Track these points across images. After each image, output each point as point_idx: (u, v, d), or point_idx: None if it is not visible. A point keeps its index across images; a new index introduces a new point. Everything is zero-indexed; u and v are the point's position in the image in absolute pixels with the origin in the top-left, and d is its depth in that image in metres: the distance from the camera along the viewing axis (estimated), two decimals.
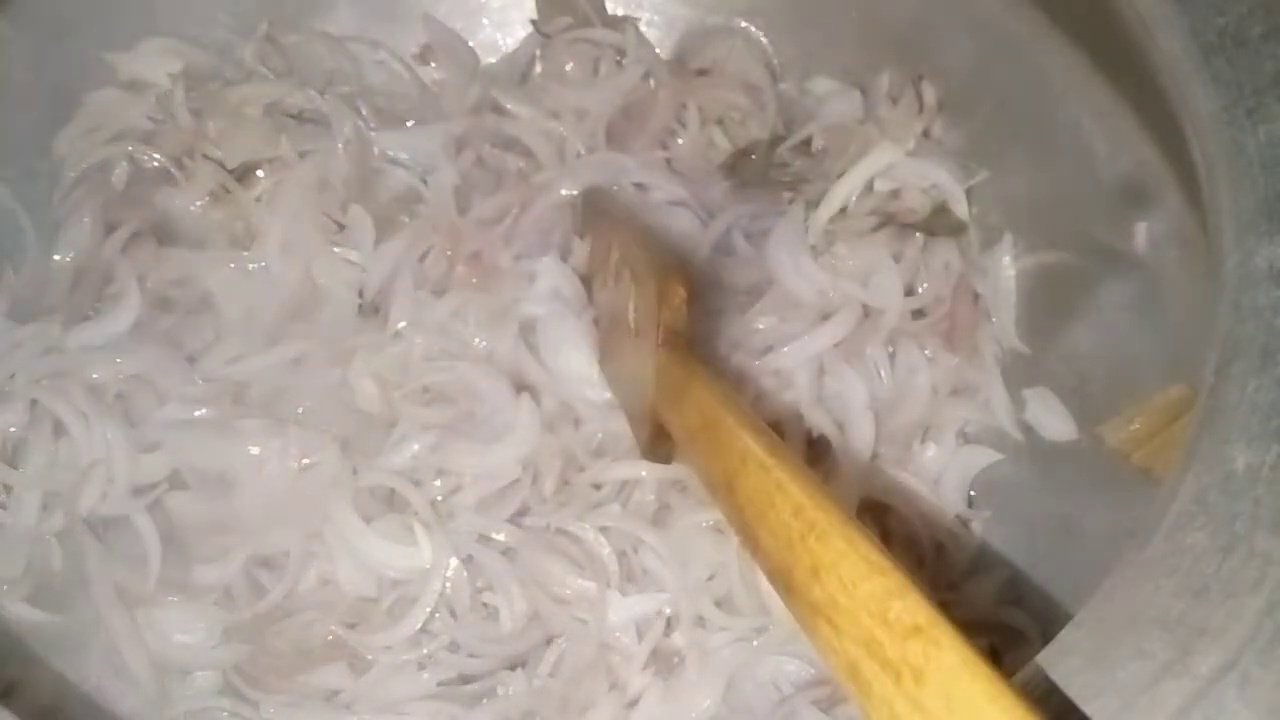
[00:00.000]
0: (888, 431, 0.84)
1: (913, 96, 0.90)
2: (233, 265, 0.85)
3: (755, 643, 0.75)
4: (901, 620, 0.42)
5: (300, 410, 0.80)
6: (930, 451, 0.85)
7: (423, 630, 0.74)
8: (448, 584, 0.74)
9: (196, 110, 0.89)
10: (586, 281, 0.85)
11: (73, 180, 0.89)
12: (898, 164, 0.88)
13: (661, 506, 0.78)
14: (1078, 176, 0.79)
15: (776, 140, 0.93)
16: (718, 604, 0.75)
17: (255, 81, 0.93)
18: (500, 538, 0.76)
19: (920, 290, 0.88)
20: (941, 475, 0.85)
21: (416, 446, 0.78)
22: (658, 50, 0.98)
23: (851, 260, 0.88)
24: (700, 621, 0.75)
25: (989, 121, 0.88)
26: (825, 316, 0.84)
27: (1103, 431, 0.75)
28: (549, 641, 0.75)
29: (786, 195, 0.91)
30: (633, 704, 0.74)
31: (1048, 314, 0.84)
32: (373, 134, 0.91)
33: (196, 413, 0.79)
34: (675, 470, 0.76)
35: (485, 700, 0.74)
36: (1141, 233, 0.75)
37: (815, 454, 0.82)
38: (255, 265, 0.85)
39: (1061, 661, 0.46)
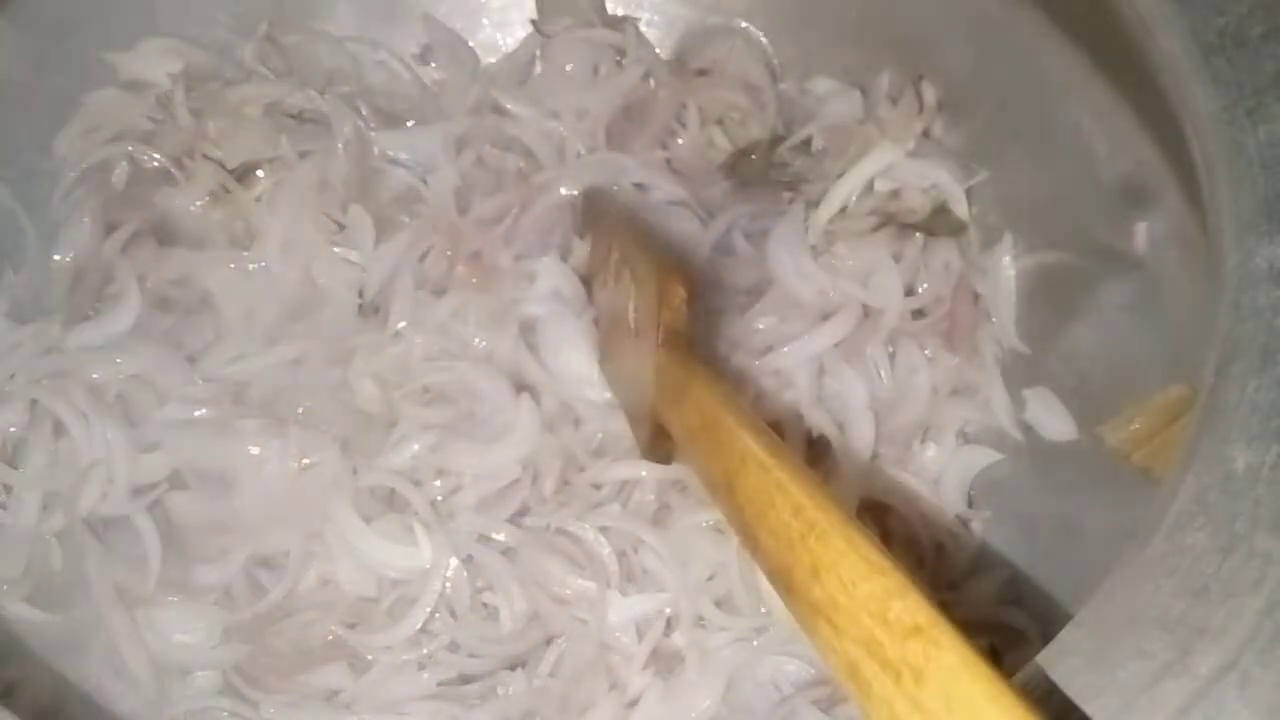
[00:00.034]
0: (888, 431, 0.84)
1: (913, 96, 0.90)
2: (233, 265, 0.85)
3: (755, 643, 0.75)
4: (901, 620, 0.41)
5: (300, 410, 0.80)
6: (930, 451, 0.85)
7: (423, 630, 0.74)
8: (448, 584, 0.74)
9: (196, 110, 0.89)
10: (586, 281, 0.85)
11: (73, 180, 0.89)
12: (898, 164, 0.88)
13: (661, 506, 0.78)
14: (1078, 176, 0.79)
15: (776, 140, 0.93)
16: (718, 604, 0.75)
17: (255, 81, 0.93)
18: (500, 538, 0.76)
19: (920, 290, 0.88)
20: (941, 475, 0.85)
21: (416, 446, 0.78)
22: (658, 50, 0.98)
23: (851, 260, 0.88)
24: (700, 621, 0.75)
25: (989, 121, 0.88)
26: (825, 316, 0.84)
27: (1103, 431, 0.75)
28: (549, 641, 0.75)
29: (786, 195, 0.91)
30: (633, 704, 0.74)
31: (1048, 314, 0.84)
32: (373, 134, 0.91)
33: (196, 413, 0.79)
34: (675, 470, 0.76)
35: (485, 700, 0.74)
36: (1141, 233, 0.75)
37: (815, 454, 0.82)
38: (255, 265, 0.85)
39: (1061, 661, 0.46)
